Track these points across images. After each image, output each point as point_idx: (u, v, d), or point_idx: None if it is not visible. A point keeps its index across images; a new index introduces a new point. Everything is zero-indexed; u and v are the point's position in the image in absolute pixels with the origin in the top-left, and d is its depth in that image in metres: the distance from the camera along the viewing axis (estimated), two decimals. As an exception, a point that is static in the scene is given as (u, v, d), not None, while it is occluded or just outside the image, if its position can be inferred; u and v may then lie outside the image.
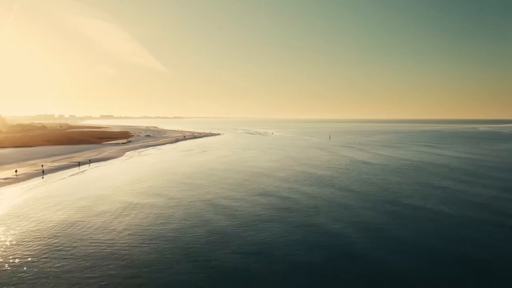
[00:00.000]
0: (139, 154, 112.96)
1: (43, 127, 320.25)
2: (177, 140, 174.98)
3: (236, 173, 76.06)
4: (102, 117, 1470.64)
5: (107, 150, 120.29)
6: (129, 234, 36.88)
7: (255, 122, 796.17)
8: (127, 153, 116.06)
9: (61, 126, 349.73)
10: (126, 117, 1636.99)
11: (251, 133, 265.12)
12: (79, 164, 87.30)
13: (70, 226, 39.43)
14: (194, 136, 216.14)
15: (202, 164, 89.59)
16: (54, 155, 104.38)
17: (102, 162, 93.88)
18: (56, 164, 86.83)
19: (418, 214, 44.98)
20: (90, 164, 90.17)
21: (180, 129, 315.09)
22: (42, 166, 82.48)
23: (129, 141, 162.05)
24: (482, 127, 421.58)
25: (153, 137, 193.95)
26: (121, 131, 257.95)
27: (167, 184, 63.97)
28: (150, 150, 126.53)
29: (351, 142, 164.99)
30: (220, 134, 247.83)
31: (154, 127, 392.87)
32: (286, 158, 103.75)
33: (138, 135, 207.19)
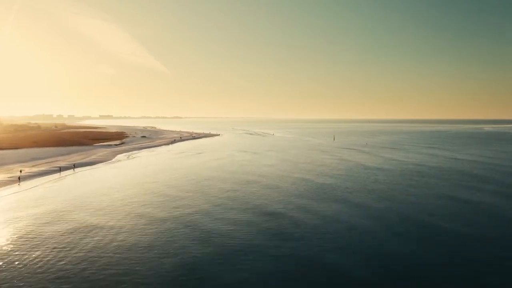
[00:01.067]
0: (129, 158, 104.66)
1: (38, 127, 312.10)
2: (173, 142, 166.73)
3: (230, 183, 67.26)
4: (101, 117, 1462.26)
5: (97, 153, 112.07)
6: (73, 263, 28.55)
7: (255, 122, 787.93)
8: (118, 156, 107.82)
9: (56, 127, 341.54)
10: (125, 117, 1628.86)
11: (251, 134, 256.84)
12: (60, 169, 78.97)
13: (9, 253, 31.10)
14: (193, 137, 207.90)
15: (192, 171, 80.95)
16: (37, 158, 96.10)
17: (87, 166, 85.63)
18: (36, 169, 78.54)
19: (462, 243, 36.69)
20: (75, 169, 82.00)
21: (178, 130, 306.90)
22: (21, 171, 74.28)
23: (123, 143, 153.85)
24: (487, 127, 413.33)
25: (149, 138, 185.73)
26: (117, 132, 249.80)
27: (143, 198, 54.82)
28: (143, 153, 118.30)
29: (357, 144, 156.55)
30: (219, 134, 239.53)
31: (152, 127, 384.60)
32: (287, 163, 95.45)
33: (134, 136, 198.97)
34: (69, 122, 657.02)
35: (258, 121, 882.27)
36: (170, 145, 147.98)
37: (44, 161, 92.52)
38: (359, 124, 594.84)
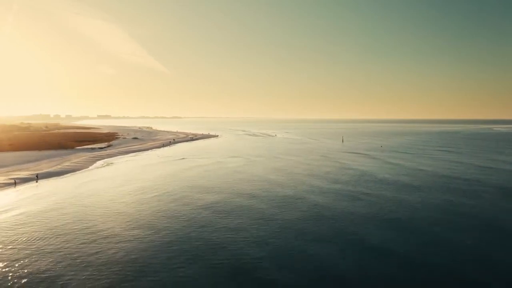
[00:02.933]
0: (109, 164, 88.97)
1: (26, 128, 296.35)
2: (166, 144, 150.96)
3: (219, 207, 52.01)
4: (99, 117, 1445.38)
5: (75, 158, 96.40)
6: None
7: (255, 122, 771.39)
8: (97, 162, 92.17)
9: (46, 127, 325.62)
10: (124, 117, 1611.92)
11: (252, 135, 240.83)
12: (15, 182, 63.30)
13: None
14: (190, 138, 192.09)
15: (171, 188, 65.39)
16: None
17: (54, 177, 70.05)
18: (-15, 182, 62.84)
19: None
20: (38, 180, 66.47)
21: (175, 130, 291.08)
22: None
23: (110, 145, 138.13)
24: (496, 128, 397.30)
25: (140, 140, 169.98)
26: (109, 133, 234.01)
27: (88, 224, 39.87)
28: (127, 158, 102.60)
29: (371, 148, 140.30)
30: (217, 136, 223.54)
31: (148, 127, 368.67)
32: (297, 173, 79.79)
33: (125, 138, 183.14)
34: (65, 122, 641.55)
35: (258, 121, 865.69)
36: (161, 149, 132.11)
37: (6, 169, 76.85)
38: (361, 124, 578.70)
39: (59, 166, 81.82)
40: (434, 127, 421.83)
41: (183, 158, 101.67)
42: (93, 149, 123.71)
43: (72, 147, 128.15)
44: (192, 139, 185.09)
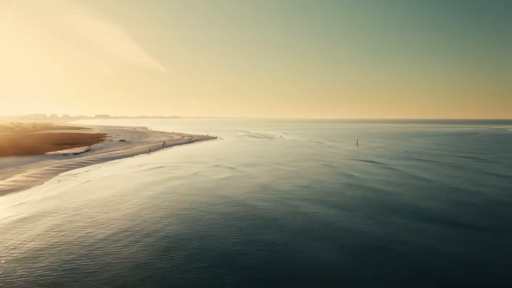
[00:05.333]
0: (72, 177, 68.33)
1: (12, 129, 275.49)
2: (153, 149, 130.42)
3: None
4: (97, 116, 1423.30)
5: (34, 169, 75.96)
6: None
7: (256, 122, 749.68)
8: (60, 174, 71.70)
9: (34, 127, 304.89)
10: (122, 117, 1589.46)
11: (254, 136, 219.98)
12: None
13: None
14: (185, 140, 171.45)
15: (142, 214, 45.10)
16: None
17: (-17, 201, 49.61)
18: None
19: None
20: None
21: (171, 131, 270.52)
22: None
23: (89, 150, 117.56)
24: (510, 128, 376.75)
25: (127, 143, 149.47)
26: (97, 134, 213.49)
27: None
28: (100, 168, 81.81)
29: (396, 153, 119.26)
30: (216, 137, 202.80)
31: (143, 127, 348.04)
32: (319, 191, 59.48)
33: (111, 140, 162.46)
34: (61, 122, 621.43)
35: (258, 121, 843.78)
36: (148, 155, 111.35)
37: None
38: (366, 125, 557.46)
39: (1, 182, 61.26)
40: (447, 128, 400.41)
41: (167, 171, 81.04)
42: (66, 155, 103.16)
43: (43, 152, 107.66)
44: (188, 142, 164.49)
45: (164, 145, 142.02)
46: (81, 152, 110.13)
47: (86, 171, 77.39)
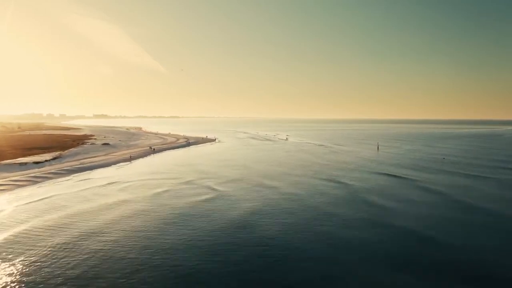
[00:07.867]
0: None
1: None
2: (134, 157, 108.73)
3: None
4: (95, 116, 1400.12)
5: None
6: None
7: (256, 122, 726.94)
8: (-10, 199, 50.18)
9: (19, 127, 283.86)
10: (121, 117, 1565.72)
11: (257, 138, 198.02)
12: None
13: None
14: (177, 144, 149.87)
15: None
16: None
17: None
18: None
19: None
20: None
21: (167, 132, 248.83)
22: None
23: (57, 157, 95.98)
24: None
25: (112, 147, 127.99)
26: (83, 135, 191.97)
27: None
28: (56, 186, 59.96)
29: (428, 164, 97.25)
30: (215, 139, 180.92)
31: (137, 128, 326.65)
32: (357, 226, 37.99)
33: (93, 143, 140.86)
34: (56, 122, 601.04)
35: (258, 121, 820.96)
36: (127, 164, 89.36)
37: None
38: (369, 125, 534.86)
39: None
40: (462, 129, 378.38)
41: (130, 192, 59.47)
42: (23, 164, 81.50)
43: (0, 160, 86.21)
44: (182, 145, 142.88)
45: (154, 151, 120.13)
46: (46, 161, 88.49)
47: (29, 194, 55.38)
